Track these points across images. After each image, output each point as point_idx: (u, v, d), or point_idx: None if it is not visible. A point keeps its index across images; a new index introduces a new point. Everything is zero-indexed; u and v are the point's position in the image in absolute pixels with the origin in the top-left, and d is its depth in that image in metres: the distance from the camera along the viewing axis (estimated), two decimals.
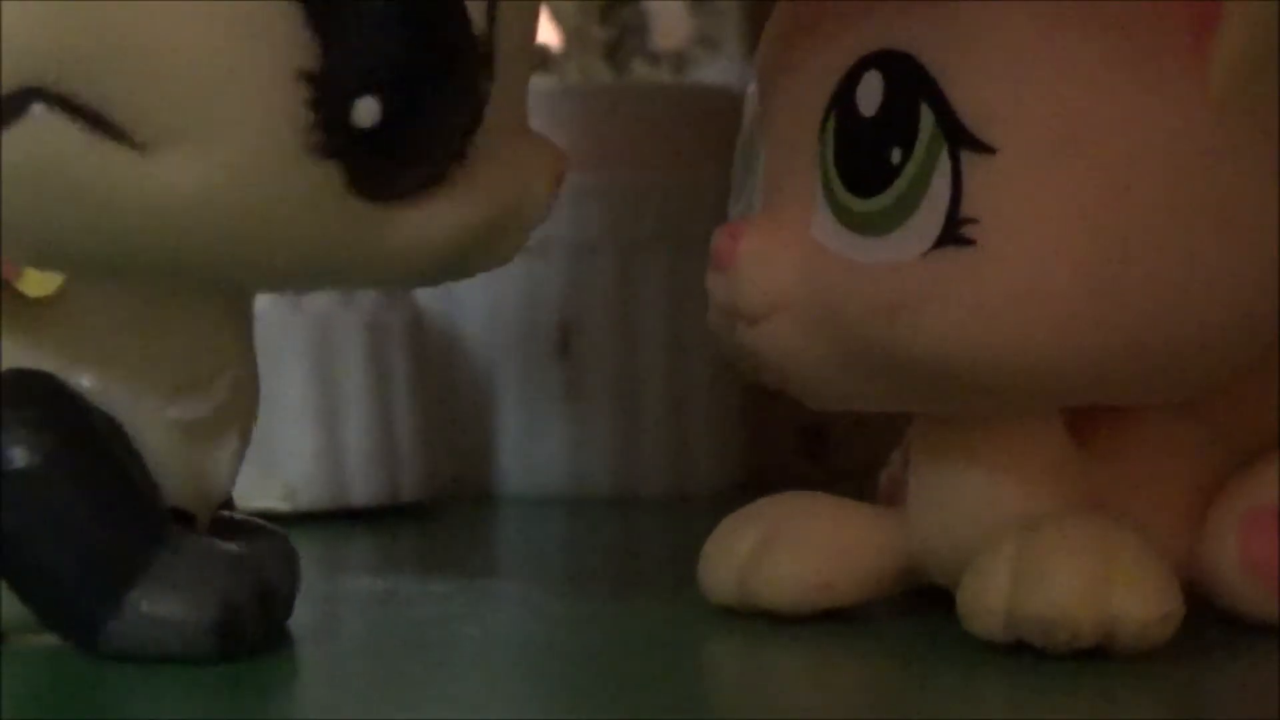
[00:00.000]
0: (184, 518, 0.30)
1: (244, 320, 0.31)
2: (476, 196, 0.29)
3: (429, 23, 0.27)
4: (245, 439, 0.32)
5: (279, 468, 0.49)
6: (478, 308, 0.55)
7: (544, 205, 0.30)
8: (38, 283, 0.32)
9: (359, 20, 0.27)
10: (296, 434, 0.49)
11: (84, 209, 0.27)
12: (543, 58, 0.59)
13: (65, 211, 0.27)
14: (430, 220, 0.29)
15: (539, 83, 0.58)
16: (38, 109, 0.26)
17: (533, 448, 0.55)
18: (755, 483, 0.56)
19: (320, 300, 0.49)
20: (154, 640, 0.29)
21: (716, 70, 0.63)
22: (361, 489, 0.50)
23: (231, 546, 0.30)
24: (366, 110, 0.27)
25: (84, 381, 0.30)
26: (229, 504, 0.33)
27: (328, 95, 0.27)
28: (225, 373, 0.31)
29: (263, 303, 0.47)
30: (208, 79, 0.26)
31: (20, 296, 0.31)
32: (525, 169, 0.30)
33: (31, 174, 0.27)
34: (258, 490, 0.48)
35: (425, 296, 0.54)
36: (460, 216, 0.29)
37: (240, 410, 0.31)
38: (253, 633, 0.30)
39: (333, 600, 0.37)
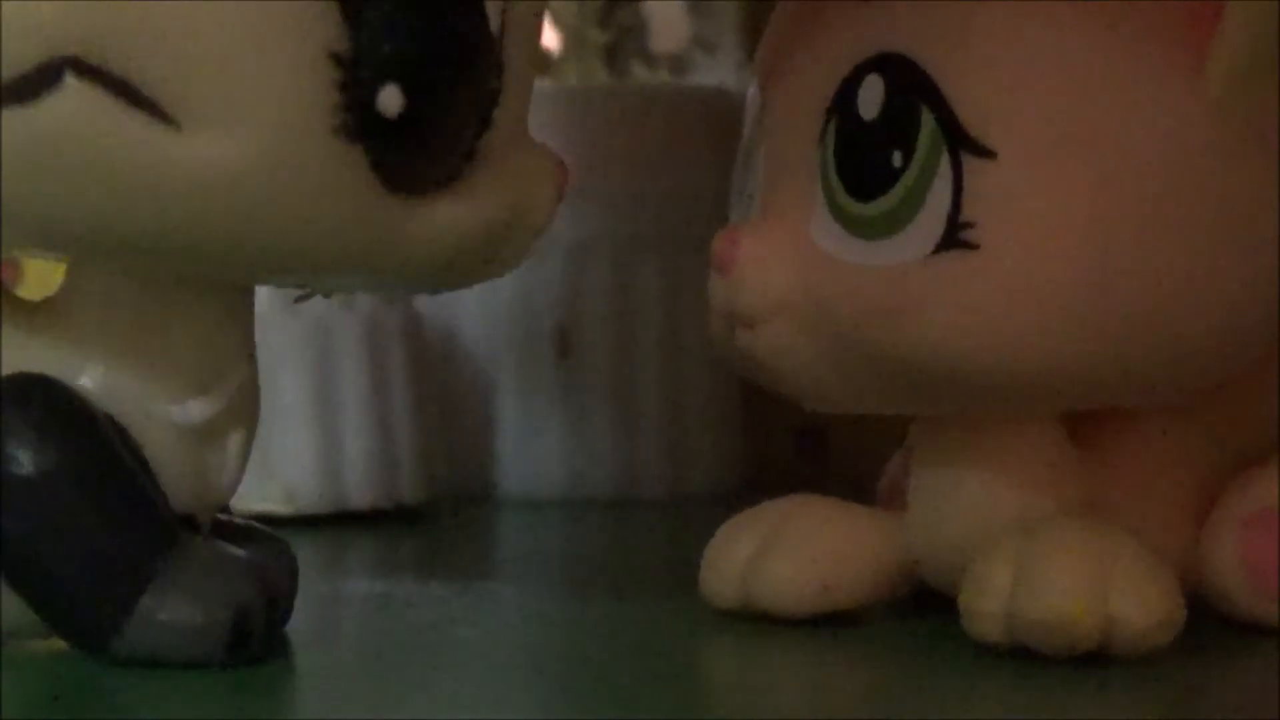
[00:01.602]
0: (187, 522, 0.30)
1: (246, 321, 0.31)
2: (483, 198, 0.29)
3: (452, 17, 0.28)
4: (249, 442, 0.32)
5: (278, 471, 0.49)
6: (475, 310, 0.55)
7: (545, 213, 0.31)
8: (38, 285, 0.32)
9: (387, 8, 0.27)
10: (295, 437, 0.49)
11: (115, 184, 0.27)
12: (541, 60, 0.59)
13: (96, 186, 0.27)
14: (443, 218, 0.29)
15: (537, 85, 0.58)
16: (71, 80, 0.26)
17: (531, 450, 0.55)
18: (754, 485, 0.56)
19: (318, 303, 0.49)
20: (167, 645, 0.29)
21: (714, 73, 0.63)
22: (360, 492, 0.50)
23: (238, 550, 0.30)
24: (390, 98, 0.27)
25: (86, 384, 0.30)
26: (224, 508, 0.33)
27: (355, 79, 0.27)
28: (230, 375, 0.31)
29: (261, 306, 0.47)
30: (243, 57, 0.26)
31: (19, 299, 0.31)
32: (529, 174, 0.30)
33: (63, 145, 0.27)
34: (256, 493, 0.48)
35: (423, 299, 0.54)
36: (469, 217, 0.29)
37: (244, 413, 0.31)
38: (262, 636, 0.30)
39: (331, 603, 0.37)
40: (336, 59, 0.27)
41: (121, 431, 0.30)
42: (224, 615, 0.29)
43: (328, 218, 0.28)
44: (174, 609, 0.29)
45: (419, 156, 0.28)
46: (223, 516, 0.32)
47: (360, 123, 0.27)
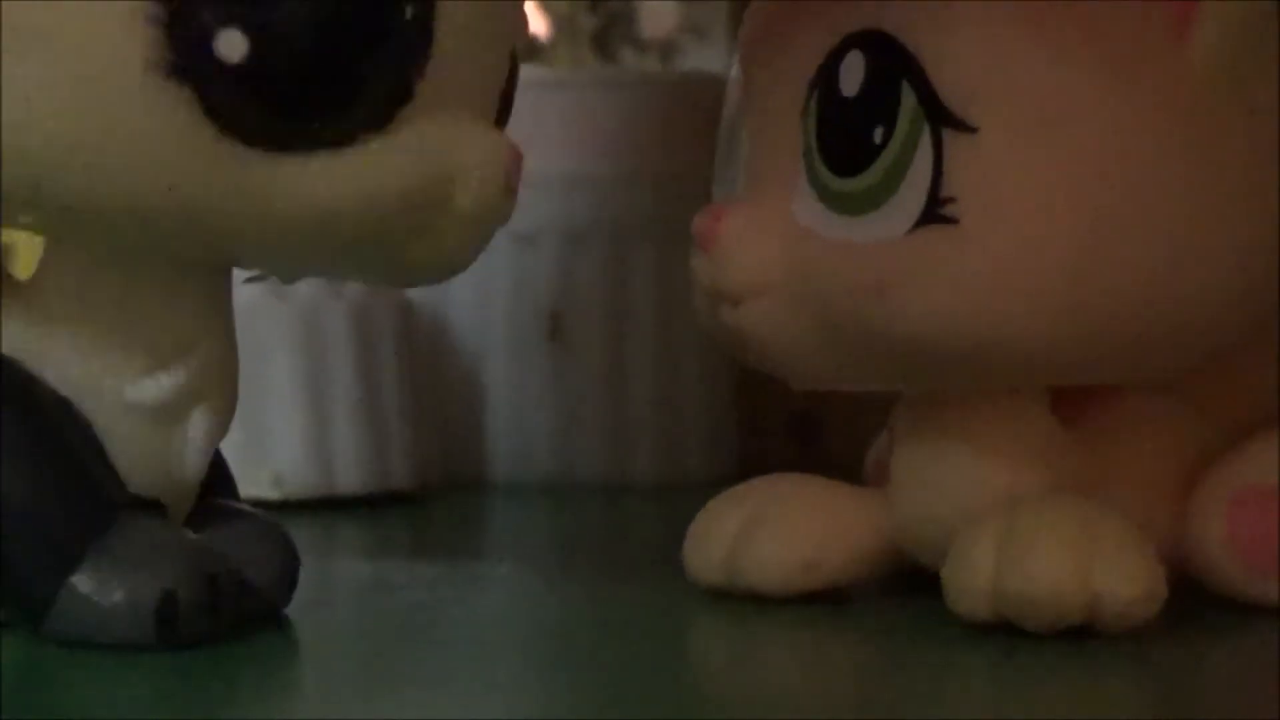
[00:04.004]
0: (149, 504, 0.30)
1: (214, 301, 0.31)
2: (390, 169, 0.29)
3: None
4: (220, 422, 0.31)
5: (268, 456, 0.49)
6: (467, 296, 0.55)
7: (483, 199, 0.30)
8: (28, 263, 0.31)
9: None
10: (285, 422, 0.49)
11: None
12: (531, 47, 0.59)
13: None
14: (328, 178, 0.28)
15: (527, 72, 0.58)
16: None
17: (522, 435, 0.55)
18: (745, 469, 0.56)
19: (308, 289, 0.49)
20: (93, 624, 0.29)
21: (704, 58, 0.63)
22: (350, 476, 0.50)
23: (186, 534, 0.30)
24: (230, 43, 0.27)
25: (41, 365, 0.30)
26: (232, 492, 0.33)
27: (182, 17, 0.27)
28: (187, 355, 0.30)
29: (251, 292, 0.47)
30: None
31: None
32: (456, 155, 0.29)
33: None
34: (247, 478, 0.47)
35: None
36: (366, 184, 0.29)
37: (210, 393, 0.31)
38: (200, 621, 0.30)
39: (322, 587, 0.37)
40: None
41: (72, 412, 0.30)
42: (147, 596, 0.29)
43: (162, 162, 0.28)
44: (98, 589, 0.29)
45: (274, 109, 0.28)
46: (217, 500, 0.32)
47: (189, 63, 0.27)
